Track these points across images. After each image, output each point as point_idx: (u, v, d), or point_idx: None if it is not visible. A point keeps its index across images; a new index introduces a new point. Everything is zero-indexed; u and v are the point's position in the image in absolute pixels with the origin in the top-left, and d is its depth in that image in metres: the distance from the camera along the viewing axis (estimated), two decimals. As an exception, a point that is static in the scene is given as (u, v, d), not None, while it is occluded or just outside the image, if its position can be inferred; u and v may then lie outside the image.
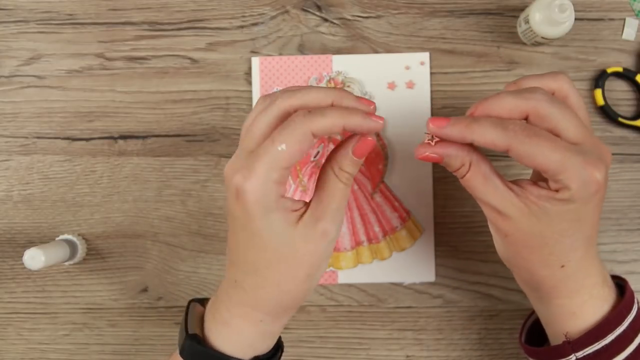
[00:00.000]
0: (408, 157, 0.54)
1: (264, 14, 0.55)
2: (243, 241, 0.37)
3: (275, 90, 0.50)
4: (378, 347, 0.54)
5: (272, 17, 0.55)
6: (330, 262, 0.54)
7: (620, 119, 0.53)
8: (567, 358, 0.39)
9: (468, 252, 0.54)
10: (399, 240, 0.54)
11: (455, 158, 0.37)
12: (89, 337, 0.55)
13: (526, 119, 0.36)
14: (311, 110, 0.36)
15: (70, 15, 0.56)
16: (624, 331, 0.38)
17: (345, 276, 0.54)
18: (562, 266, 0.38)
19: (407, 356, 0.54)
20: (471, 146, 0.37)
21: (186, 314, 0.41)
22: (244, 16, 0.56)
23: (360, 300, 0.55)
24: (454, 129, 0.36)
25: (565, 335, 0.39)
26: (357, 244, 0.54)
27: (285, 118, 0.36)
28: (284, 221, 0.37)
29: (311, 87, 0.38)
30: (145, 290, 0.55)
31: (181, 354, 0.39)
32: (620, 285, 0.41)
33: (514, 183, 0.37)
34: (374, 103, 0.38)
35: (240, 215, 0.36)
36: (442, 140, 0.37)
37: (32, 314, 0.56)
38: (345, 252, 0.54)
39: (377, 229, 0.54)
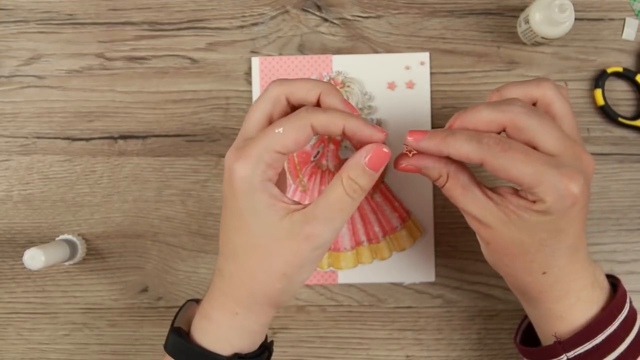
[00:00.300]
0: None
1: (264, 14, 0.55)
2: (229, 224, 0.38)
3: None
4: (378, 347, 0.54)
5: (272, 17, 0.55)
6: (330, 262, 0.54)
7: (620, 119, 0.53)
8: (559, 358, 0.39)
9: (468, 252, 0.54)
10: (399, 240, 0.54)
11: (433, 169, 0.38)
12: (89, 337, 0.55)
13: (505, 131, 0.37)
14: (316, 107, 0.37)
15: (70, 15, 0.56)
16: (615, 331, 0.38)
17: (345, 276, 0.54)
18: (544, 273, 0.38)
19: (407, 356, 0.54)
20: (448, 158, 0.37)
21: (179, 310, 0.42)
22: (244, 16, 0.56)
23: (360, 300, 0.55)
24: (430, 143, 0.37)
25: (555, 336, 0.39)
26: (357, 244, 0.54)
27: (277, 105, 0.38)
28: (268, 207, 0.36)
29: (302, 78, 0.39)
30: (145, 290, 0.55)
31: (165, 347, 0.39)
32: (615, 284, 0.41)
33: (495, 191, 0.37)
34: (356, 110, 0.39)
35: (228, 195, 0.37)
36: (420, 152, 0.38)
37: (32, 314, 0.56)
38: (345, 252, 0.54)
39: (377, 229, 0.54)
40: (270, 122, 0.38)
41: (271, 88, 0.38)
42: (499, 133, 0.37)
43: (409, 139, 0.37)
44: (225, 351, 0.39)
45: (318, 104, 0.39)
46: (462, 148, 0.36)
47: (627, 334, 0.38)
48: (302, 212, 0.37)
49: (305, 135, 0.36)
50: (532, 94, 0.38)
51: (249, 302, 0.39)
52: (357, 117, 0.37)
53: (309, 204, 0.37)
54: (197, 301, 0.43)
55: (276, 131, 0.36)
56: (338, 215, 0.37)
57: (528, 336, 0.45)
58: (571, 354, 0.38)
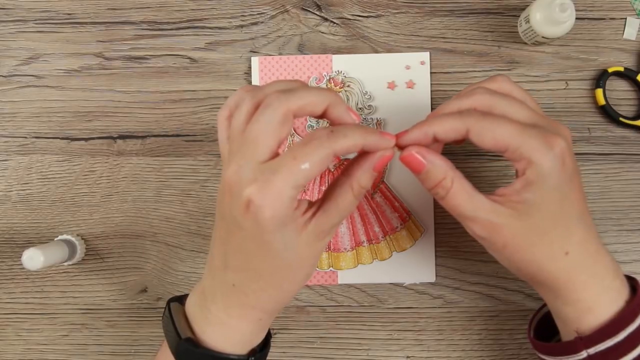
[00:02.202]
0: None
1: (263, 13, 0.55)
2: (246, 249, 0.37)
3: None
4: (378, 347, 0.54)
5: (272, 17, 0.55)
6: (330, 262, 0.54)
7: (621, 119, 0.52)
8: (579, 354, 0.38)
9: (468, 252, 0.54)
10: (399, 241, 0.54)
11: (438, 167, 0.37)
12: (88, 337, 0.55)
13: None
14: (333, 130, 0.35)
15: (69, 14, 0.56)
16: (637, 329, 0.37)
17: (345, 276, 0.54)
18: (566, 253, 0.38)
19: (408, 357, 0.54)
20: (451, 163, 0.38)
21: (171, 316, 0.41)
22: (243, 15, 0.55)
23: (360, 301, 0.54)
24: (415, 131, 0.38)
25: (577, 332, 0.39)
26: (357, 244, 0.54)
27: (287, 125, 0.35)
28: (293, 231, 0.36)
29: (305, 87, 0.37)
30: (144, 290, 0.55)
31: (179, 358, 0.39)
32: (632, 286, 0.41)
33: (492, 194, 0.38)
34: (359, 116, 0.39)
35: (249, 227, 0.35)
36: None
37: (30, 314, 0.56)
38: (345, 253, 0.54)
39: (377, 229, 0.54)
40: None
41: (277, 104, 0.35)
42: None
43: (397, 140, 0.38)
44: (244, 350, 0.40)
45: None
46: (446, 122, 0.37)
47: None
48: (315, 224, 0.37)
49: (328, 164, 0.35)
50: (489, 88, 0.39)
51: (275, 309, 0.41)
52: (373, 132, 0.37)
53: (315, 206, 0.38)
54: (180, 299, 0.43)
55: (302, 167, 0.34)
56: (346, 215, 0.39)
57: (537, 331, 0.45)
58: (592, 350, 0.38)
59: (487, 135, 0.36)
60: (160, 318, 0.55)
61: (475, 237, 0.39)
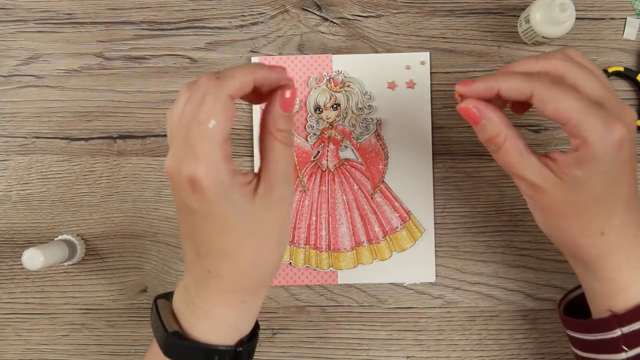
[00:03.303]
0: (408, 157, 0.54)
1: (263, 13, 0.55)
2: (207, 230, 0.37)
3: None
4: (378, 347, 0.54)
5: (272, 17, 0.55)
6: (330, 262, 0.54)
7: (621, 119, 0.52)
8: (613, 332, 0.38)
9: (469, 252, 0.54)
10: (399, 241, 0.54)
11: (493, 123, 0.38)
12: (88, 337, 0.55)
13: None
14: (219, 76, 0.36)
15: (69, 14, 0.56)
16: None
17: (345, 276, 0.54)
18: (602, 233, 0.38)
19: (408, 357, 0.54)
20: (508, 120, 0.38)
21: (158, 313, 0.41)
22: (243, 15, 0.55)
23: (360, 301, 0.54)
24: (481, 83, 0.38)
25: (610, 310, 0.39)
26: (357, 244, 0.54)
27: (208, 102, 0.36)
28: (242, 197, 0.36)
29: (233, 68, 0.38)
30: (144, 290, 0.55)
31: (167, 353, 0.39)
32: None
33: (546, 156, 0.38)
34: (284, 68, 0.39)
35: (198, 206, 0.36)
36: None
37: (30, 314, 0.56)
38: (345, 253, 0.54)
39: (377, 229, 0.54)
40: None
41: (205, 88, 0.36)
42: None
43: (459, 87, 0.39)
44: (233, 340, 0.40)
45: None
46: (512, 81, 0.37)
47: None
48: (264, 183, 0.37)
49: (231, 109, 0.35)
50: (567, 54, 0.39)
51: (254, 287, 0.40)
52: (260, 67, 0.37)
53: (258, 173, 0.38)
54: (166, 295, 0.43)
55: (211, 126, 0.34)
56: (288, 166, 0.39)
57: (567, 312, 0.45)
58: (626, 329, 0.38)
59: (550, 104, 0.36)
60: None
61: (522, 192, 0.40)
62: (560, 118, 0.36)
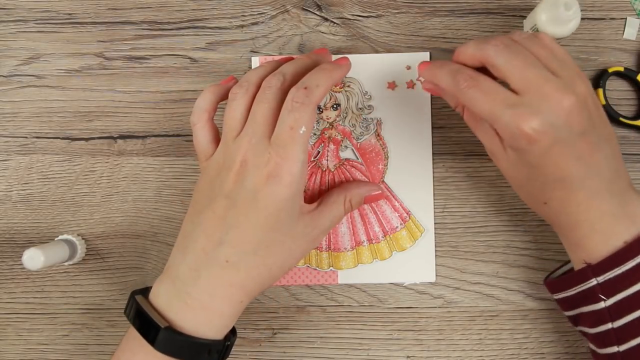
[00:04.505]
0: (408, 157, 0.54)
1: (264, 13, 0.55)
2: (254, 220, 0.39)
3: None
4: (378, 347, 0.54)
5: (272, 17, 0.55)
6: (330, 262, 0.54)
7: (621, 119, 0.53)
8: (588, 282, 0.39)
9: (469, 252, 0.54)
10: (400, 240, 0.54)
11: (450, 99, 0.46)
12: (89, 337, 0.55)
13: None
14: (307, 86, 0.40)
15: (70, 14, 0.56)
16: None
17: (345, 276, 0.54)
18: (545, 203, 0.41)
19: (408, 357, 0.54)
20: (471, 82, 0.40)
21: (139, 307, 0.41)
22: (243, 15, 0.55)
23: (361, 301, 0.54)
24: (426, 72, 0.44)
25: (585, 262, 0.40)
26: (357, 244, 0.54)
27: (281, 98, 0.41)
28: (299, 208, 0.41)
29: (288, 62, 0.45)
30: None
31: (159, 347, 0.39)
32: None
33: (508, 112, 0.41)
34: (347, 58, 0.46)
35: (263, 197, 0.39)
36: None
37: (31, 314, 0.56)
38: (345, 252, 0.54)
39: (377, 229, 0.54)
40: None
41: (275, 84, 0.42)
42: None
43: (419, 69, 0.45)
44: (222, 335, 0.42)
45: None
46: (443, 81, 0.41)
47: None
48: (311, 217, 0.42)
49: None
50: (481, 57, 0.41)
51: (256, 292, 0.42)
52: (337, 68, 0.44)
53: (314, 205, 0.43)
54: (143, 291, 0.43)
55: (301, 132, 0.40)
56: (335, 224, 0.46)
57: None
58: (601, 278, 0.38)
59: (469, 107, 0.40)
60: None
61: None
62: (481, 118, 0.40)
